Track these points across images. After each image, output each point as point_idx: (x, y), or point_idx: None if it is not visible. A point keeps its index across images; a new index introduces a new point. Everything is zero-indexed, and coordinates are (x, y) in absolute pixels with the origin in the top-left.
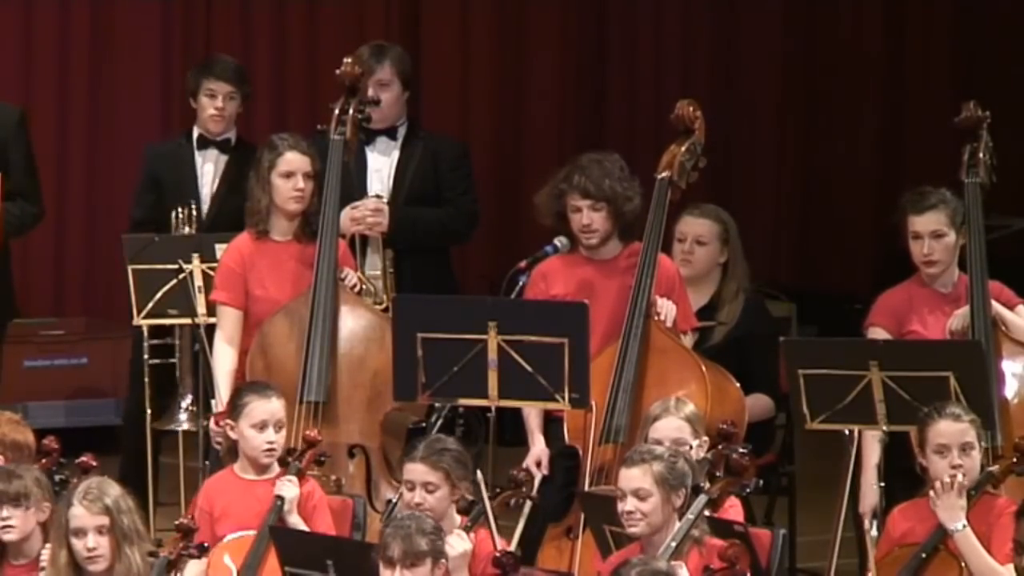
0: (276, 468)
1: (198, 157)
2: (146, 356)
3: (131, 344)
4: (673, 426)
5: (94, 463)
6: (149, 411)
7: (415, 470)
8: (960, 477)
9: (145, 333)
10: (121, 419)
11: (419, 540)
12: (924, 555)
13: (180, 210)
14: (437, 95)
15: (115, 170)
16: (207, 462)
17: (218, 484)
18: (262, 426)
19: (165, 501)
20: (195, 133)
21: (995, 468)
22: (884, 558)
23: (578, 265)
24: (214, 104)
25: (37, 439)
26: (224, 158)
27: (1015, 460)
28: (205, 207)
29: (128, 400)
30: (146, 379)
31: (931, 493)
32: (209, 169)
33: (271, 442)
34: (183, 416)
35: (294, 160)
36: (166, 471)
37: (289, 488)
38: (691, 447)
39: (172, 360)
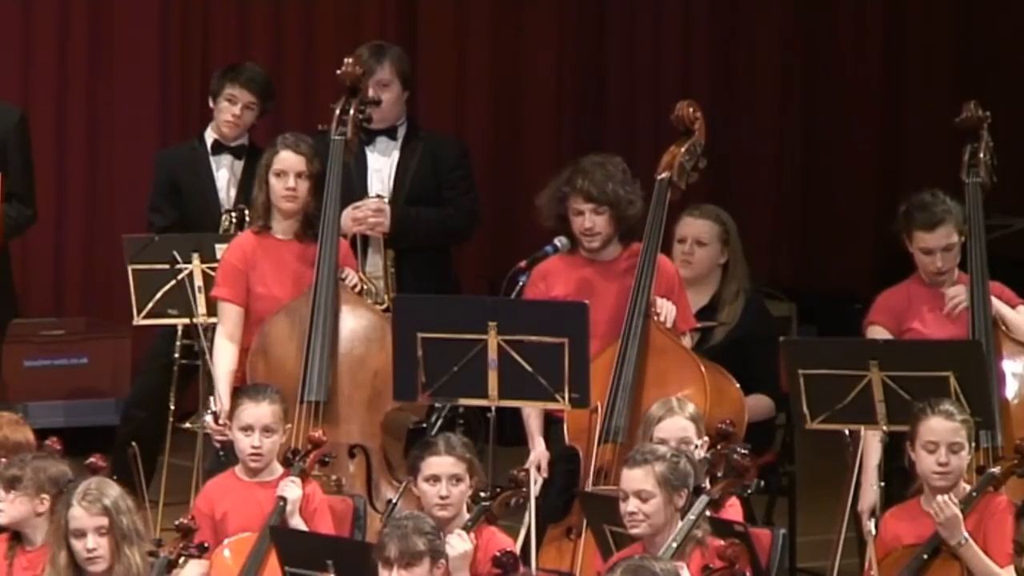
0: (278, 470)
1: (212, 162)
2: (176, 355)
3: (131, 343)
4: (678, 425)
5: (103, 464)
6: (173, 407)
7: (442, 463)
8: (951, 502)
9: (179, 332)
10: (124, 415)
11: (416, 540)
12: (925, 556)
13: (232, 213)
14: (434, 95)
15: (115, 170)
16: (205, 462)
17: (219, 487)
18: (248, 430)
19: (172, 501)
20: (209, 138)
21: (996, 469)
22: (882, 560)
23: (578, 266)
24: (232, 110)
25: (38, 439)
26: (239, 164)
27: (1016, 462)
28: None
29: (138, 398)
30: (174, 378)
31: (932, 505)
32: (224, 175)
33: (255, 447)
34: (209, 418)
35: (287, 159)
36: (174, 471)
37: (292, 489)
38: (696, 446)
39: (196, 363)
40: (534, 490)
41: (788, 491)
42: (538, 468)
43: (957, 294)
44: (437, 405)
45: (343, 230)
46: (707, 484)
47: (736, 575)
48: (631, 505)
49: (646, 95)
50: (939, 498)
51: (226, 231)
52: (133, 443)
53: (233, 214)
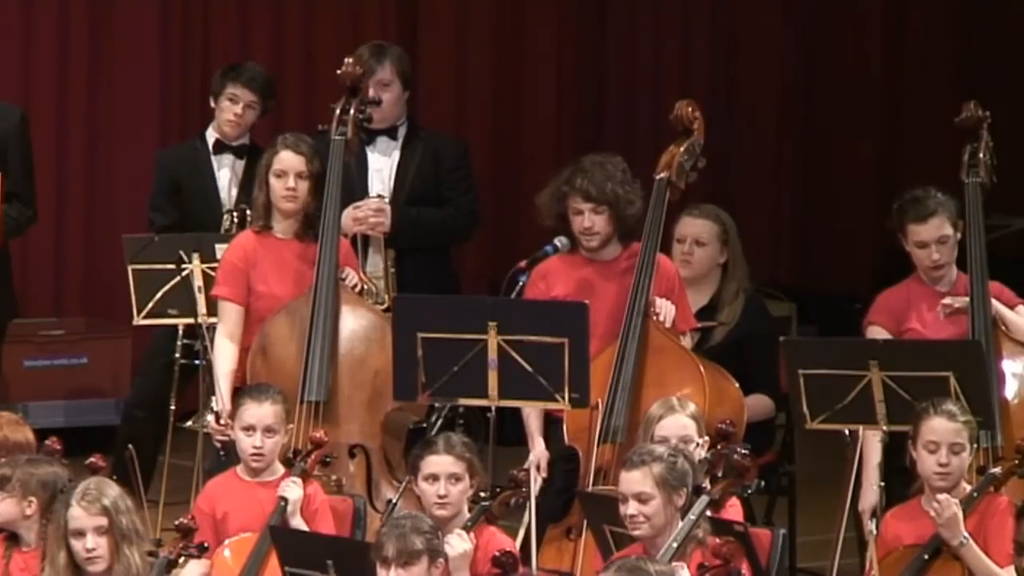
0: (279, 470)
1: (214, 161)
2: (177, 355)
3: (131, 343)
4: (679, 424)
5: (103, 464)
6: (173, 407)
7: (441, 462)
8: (952, 502)
9: (180, 332)
10: (124, 415)
11: (414, 539)
12: (926, 556)
13: (234, 213)
14: (435, 95)
15: (115, 170)
16: (206, 462)
17: (220, 486)
18: (249, 430)
19: (172, 501)
20: (210, 137)
21: (997, 470)
22: (882, 560)
23: (578, 266)
24: (233, 110)
25: (38, 439)
26: (240, 164)
27: (1016, 462)
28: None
29: (138, 398)
30: (175, 378)
31: (932, 505)
32: (225, 174)
33: (257, 447)
34: (210, 417)
35: (287, 159)
36: (174, 471)
37: (293, 490)
38: (696, 444)
39: (196, 362)
40: (534, 489)
41: (788, 491)
42: (538, 468)
43: (956, 299)
44: (437, 405)
45: (344, 230)
46: (707, 484)
47: (732, 573)
48: (631, 508)
49: (646, 95)
50: (940, 497)
51: (227, 231)
52: (130, 445)
53: (235, 213)
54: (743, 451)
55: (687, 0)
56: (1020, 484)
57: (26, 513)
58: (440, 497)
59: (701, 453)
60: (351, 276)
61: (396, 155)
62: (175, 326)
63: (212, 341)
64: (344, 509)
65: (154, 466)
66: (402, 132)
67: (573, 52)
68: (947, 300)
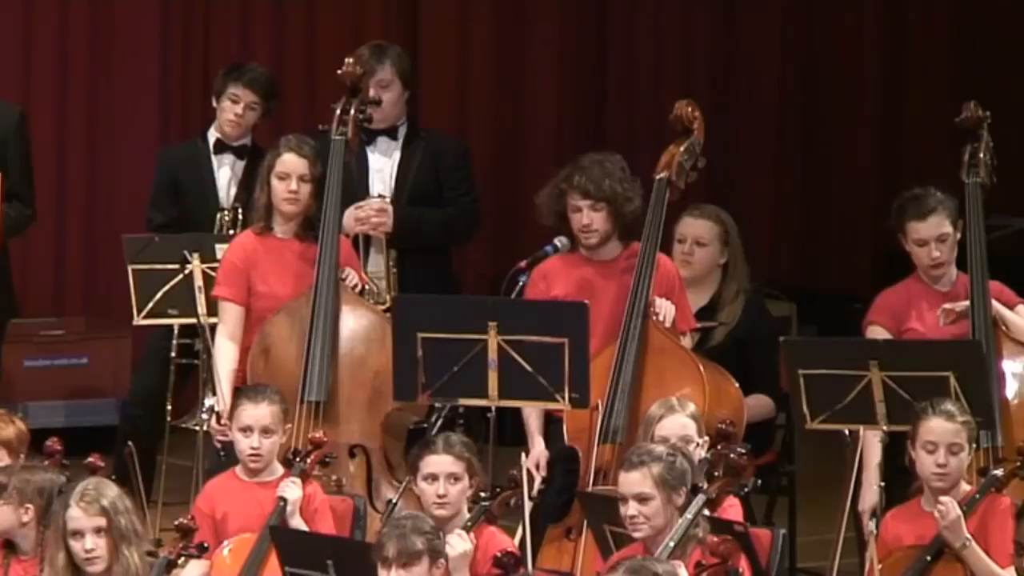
0: (279, 470)
1: (214, 161)
2: (174, 354)
3: (131, 343)
4: (680, 423)
5: (101, 464)
6: (170, 407)
7: (440, 462)
8: (955, 505)
9: (176, 331)
10: (121, 413)
11: (415, 539)
12: (928, 558)
13: (225, 212)
14: (436, 94)
15: (115, 170)
16: (205, 462)
17: (219, 487)
18: (247, 431)
19: (172, 501)
20: (212, 137)
21: (999, 472)
22: (883, 560)
23: (578, 265)
24: (234, 110)
25: (39, 439)
26: (240, 164)
27: (1019, 464)
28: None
29: (136, 396)
30: (171, 377)
31: (936, 508)
32: (225, 173)
33: (255, 448)
34: (206, 415)
35: (289, 162)
36: (173, 471)
37: (292, 490)
38: (697, 444)
39: (195, 362)
40: (531, 488)
41: (788, 491)
42: (537, 467)
43: (956, 304)
44: (437, 405)
45: (346, 230)
46: (704, 484)
47: (730, 572)
48: (631, 509)
49: (646, 95)
50: (943, 500)
51: (220, 230)
52: (129, 442)
53: (227, 212)
54: (741, 450)
55: (687, 0)
56: (1021, 485)
57: (23, 520)
58: (439, 497)
59: (701, 453)
60: (352, 276)
61: (396, 155)
62: (170, 325)
63: (212, 341)
64: (344, 509)
65: (154, 465)
66: (402, 132)
67: (573, 52)
68: (948, 306)
